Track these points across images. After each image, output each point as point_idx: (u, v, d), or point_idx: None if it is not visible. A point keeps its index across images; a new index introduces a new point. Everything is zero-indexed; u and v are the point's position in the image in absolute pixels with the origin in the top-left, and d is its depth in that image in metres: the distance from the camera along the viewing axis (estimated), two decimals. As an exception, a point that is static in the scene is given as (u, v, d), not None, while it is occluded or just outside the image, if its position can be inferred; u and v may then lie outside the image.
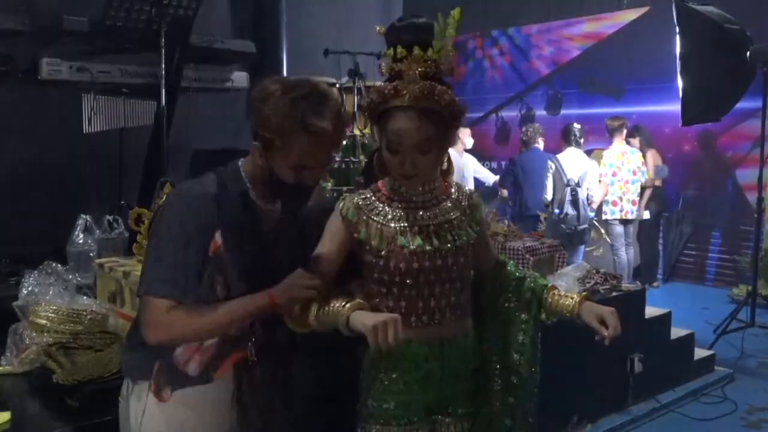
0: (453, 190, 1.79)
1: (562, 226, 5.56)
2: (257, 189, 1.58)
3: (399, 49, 1.62)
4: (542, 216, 5.22)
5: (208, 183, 1.55)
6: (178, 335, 1.50)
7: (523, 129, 6.41)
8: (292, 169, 1.51)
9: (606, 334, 1.69)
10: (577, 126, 5.90)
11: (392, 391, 1.68)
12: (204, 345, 1.55)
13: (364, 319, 1.39)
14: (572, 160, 5.74)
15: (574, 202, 5.59)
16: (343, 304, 1.48)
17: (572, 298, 1.79)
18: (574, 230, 5.59)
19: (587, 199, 5.72)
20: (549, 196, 5.70)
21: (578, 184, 5.64)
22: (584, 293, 1.82)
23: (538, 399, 1.84)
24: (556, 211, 5.63)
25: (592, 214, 5.86)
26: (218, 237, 1.51)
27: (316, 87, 1.51)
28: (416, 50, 1.61)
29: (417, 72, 1.60)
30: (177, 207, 1.50)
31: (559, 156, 5.83)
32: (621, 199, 6.01)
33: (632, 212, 6.04)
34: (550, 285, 1.84)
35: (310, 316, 1.53)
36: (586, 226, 5.72)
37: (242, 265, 1.54)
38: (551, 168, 5.71)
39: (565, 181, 5.62)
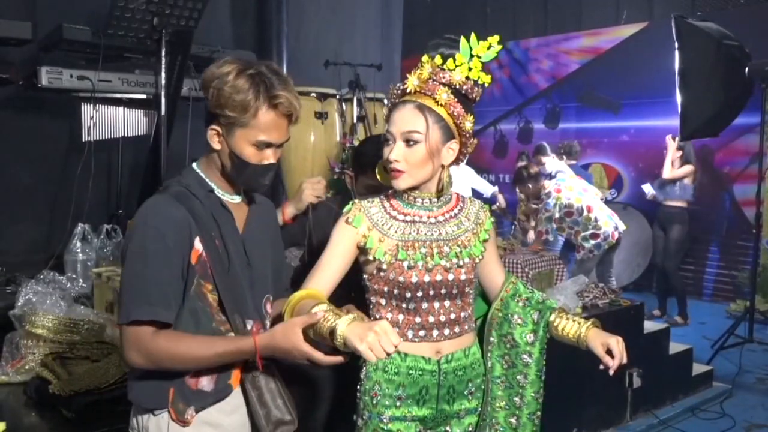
0: (462, 204, 1.78)
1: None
2: (221, 185, 1.57)
3: (424, 58, 1.66)
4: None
5: (173, 193, 1.51)
6: (161, 364, 1.44)
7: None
8: (255, 146, 1.50)
9: (611, 364, 1.69)
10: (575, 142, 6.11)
11: (386, 404, 1.67)
12: None
13: (354, 340, 1.31)
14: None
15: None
16: (335, 321, 1.38)
17: (579, 324, 1.77)
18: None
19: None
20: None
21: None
22: (593, 320, 1.80)
23: (540, 422, 1.82)
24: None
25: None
26: (198, 244, 1.48)
27: (268, 65, 1.52)
28: (437, 58, 1.65)
29: (424, 72, 1.64)
30: (149, 224, 1.45)
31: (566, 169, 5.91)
32: None
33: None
34: (558, 308, 1.82)
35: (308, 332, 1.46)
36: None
37: (227, 265, 1.52)
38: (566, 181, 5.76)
39: None
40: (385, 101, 1.78)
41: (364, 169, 2.23)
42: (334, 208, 2.31)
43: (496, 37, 1.67)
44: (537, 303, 1.81)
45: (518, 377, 1.78)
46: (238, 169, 1.53)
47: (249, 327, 1.55)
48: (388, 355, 1.30)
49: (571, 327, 1.77)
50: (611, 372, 1.71)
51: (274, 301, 1.68)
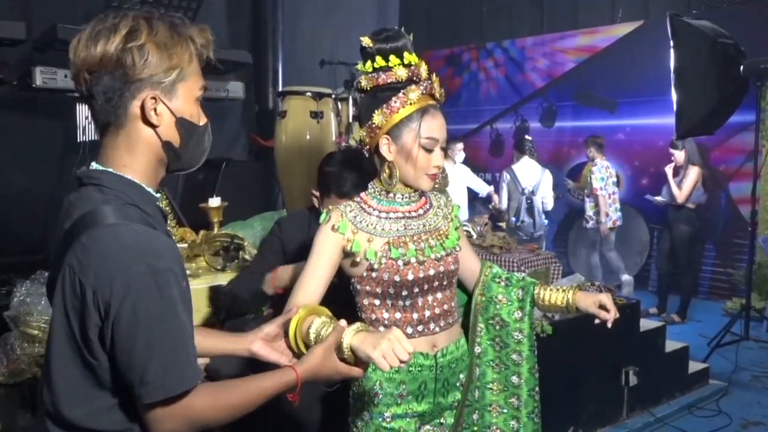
0: (432, 198, 1.81)
1: (519, 233, 5.84)
2: (150, 182, 1.24)
3: (408, 55, 1.64)
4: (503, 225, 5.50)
5: (134, 215, 1.16)
6: (204, 425, 1.18)
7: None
8: (197, 101, 1.25)
9: (609, 317, 1.76)
10: (529, 138, 6.42)
11: (388, 403, 1.68)
12: None
13: (366, 348, 1.30)
14: (527, 170, 6.05)
15: (530, 210, 5.86)
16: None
17: (564, 291, 1.84)
18: (530, 237, 5.87)
19: (542, 207, 6.04)
20: (504, 205, 6.07)
21: (533, 193, 5.95)
22: (575, 285, 1.87)
23: (540, 398, 1.86)
24: (513, 219, 5.96)
25: (546, 221, 6.16)
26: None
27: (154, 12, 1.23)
28: (408, 55, 1.64)
29: (428, 72, 1.66)
30: (159, 267, 1.11)
31: (514, 166, 6.15)
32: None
33: (620, 219, 6.38)
34: (538, 281, 1.89)
35: (309, 342, 1.43)
36: (542, 233, 6.04)
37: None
38: (506, 178, 6.08)
39: (520, 190, 5.94)
40: (398, 98, 1.66)
41: (329, 188, 2.14)
42: (305, 221, 2.29)
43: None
44: (518, 281, 1.86)
45: (513, 356, 1.82)
46: (185, 141, 1.23)
47: None
48: (403, 362, 1.29)
49: (557, 295, 1.83)
50: (609, 324, 1.78)
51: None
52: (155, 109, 1.18)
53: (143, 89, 1.17)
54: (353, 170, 2.11)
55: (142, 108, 1.17)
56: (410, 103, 1.63)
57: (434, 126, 1.65)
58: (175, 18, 1.22)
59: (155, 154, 1.22)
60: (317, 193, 2.23)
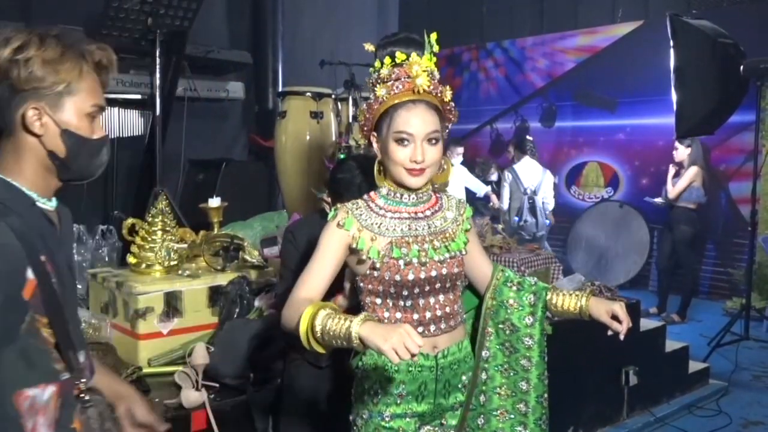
0: (444, 199, 1.80)
1: (522, 233, 5.87)
2: (36, 189, 1.27)
3: (399, 54, 1.65)
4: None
5: None
6: None
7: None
8: (88, 116, 1.28)
9: (621, 329, 1.74)
10: (530, 138, 6.48)
11: (387, 402, 1.69)
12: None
13: (377, 339, 1.31)
14: (528, 170, 6.06)
15: (532, 210, 5.85)
16: (348, 324, 1.38)
17: (577, 296, 1.82)
18: (533, 237, 5.88)
19: (543, 207, 6.06)
20: (505, 205, 6.08)
21: (535, 192, 5.98)
22: (589, 291, 1.84)
23: (548, 405, 1.85)
24: (516, 219, 5.96)
25: (548, 221, 6.14)
26: (30, 274, 1.19)
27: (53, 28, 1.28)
28: (414, 55, 1.65)
29: (422, 70, 1.64)
30: None
31: (516, 166, 6.16)
32: None
33: None
34: (551, 286, 1.87)
35: (315, 335, 1.43)
36: (543, 232, 6.03)
37: (59, 293, 1.26)
38: (508, 178, 6.09)
39: (522, 190, 5.96)
40: (374, 96, 1.68)
41: (341, 196, 2.15)
42: (315, 225, 2.28)
43: (434, 35, 1.70)
44: (530, 286, 1.84)
45: (522, 362, 1.81)
46: (72, 153, 1.26)
47: (81, 360, 1.31)
48: (413, 356, 1.29)
49: (570, 300, 1.81)
50: (621, 336, 1.75)
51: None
52: (40, 120, 1.23)
53: (27, 100, 1.22)
54: (366, 177, 2.11)
55: (24, 117, 1.22)
56: (384, 100, 1.65)
57: (407, 120, 1.63)
58: (75, 36, 1.27)
59: (40, 163, 1.26)
60: (328, 199, 2.24)
